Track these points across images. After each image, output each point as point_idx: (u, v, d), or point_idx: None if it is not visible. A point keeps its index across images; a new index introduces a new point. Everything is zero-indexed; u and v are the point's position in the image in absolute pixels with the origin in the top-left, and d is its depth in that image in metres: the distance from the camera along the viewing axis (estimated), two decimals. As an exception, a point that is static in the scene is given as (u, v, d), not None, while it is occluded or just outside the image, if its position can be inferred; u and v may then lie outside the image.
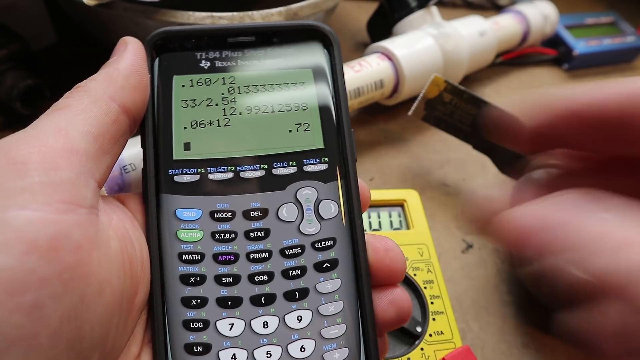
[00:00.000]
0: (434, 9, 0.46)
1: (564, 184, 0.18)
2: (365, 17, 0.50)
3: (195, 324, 0.18)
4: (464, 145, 0.39)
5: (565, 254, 0.15)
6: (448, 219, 0.38)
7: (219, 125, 0.20)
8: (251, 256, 0.19)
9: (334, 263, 0.19)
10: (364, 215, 0.32)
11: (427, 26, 0.45)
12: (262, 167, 0.20)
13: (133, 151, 0.29)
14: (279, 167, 0.20)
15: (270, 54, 0.21)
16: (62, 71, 0.43)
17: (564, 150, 0.21)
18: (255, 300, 0.18)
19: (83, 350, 0.15)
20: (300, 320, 0.18)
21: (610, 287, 0.14)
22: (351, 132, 0.21)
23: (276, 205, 0.19)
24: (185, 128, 0.20)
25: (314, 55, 0.21)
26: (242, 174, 0.19)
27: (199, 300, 0.18)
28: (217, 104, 0.20)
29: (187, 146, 0.19)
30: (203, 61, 0.20)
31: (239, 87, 0.20)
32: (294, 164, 0.20)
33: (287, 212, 0.19)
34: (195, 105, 0.20)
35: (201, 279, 0.18)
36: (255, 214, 0.19)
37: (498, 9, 0.61)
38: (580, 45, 0.54)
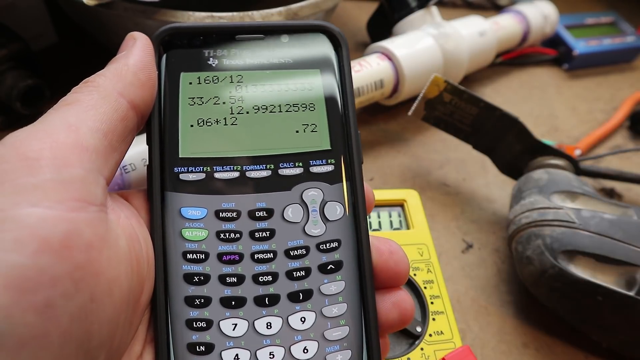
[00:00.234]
0: (434, 9, 0.46)
1: None
2: (365, 17, 0.50)
3: (199, 324, 0.18)
4: (464, 145, 0.39)
5: None
6: (448, 219, 0.38)
7: (225, 124, 0.20)
8: (256, 256, 0.19)
9: (338, 265, 0.19)
10: (364, 215, 0.32)
11: (427, 26, 0.45)
12: (268, 167, 0.19)
13: (133, 151, 0.29)
14: (285, 167, 0.20)
15: (279, 54, 0.21)
16: (62, 71, 0.43)
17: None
18: (259, 301, 0.18)
19: (91, 350, 0.15)
20: (303, 322, 0.18)
21: None
22: (358, 134, 0.20)
23: (282, 205, 0.19)
24: (191, 126, 0.19)
25: (323, 56, 0.21)
26: (248, 174, 0.19)
27: (202, 300, 0.18)
28: (224, 102, 0.20)
29: (193, 144, 0.19)
30: (211, 59, 0.20)
31: (246, 86, 0.20)
32: (300, 164, 0.20)
33: (293, 213, 0.19)
34: (202, 103, 0.20)
35: (205, 279, 0.18)
36: (261, 214, 0.19)
37: (498, 9, 0.61)
38: (580, 45, 0.54)
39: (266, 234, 0.19)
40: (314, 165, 0.20)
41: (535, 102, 0.51)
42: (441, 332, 0.27)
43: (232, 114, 0.20)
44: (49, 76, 0.39)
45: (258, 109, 0.20)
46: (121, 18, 0.34)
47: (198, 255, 0.18)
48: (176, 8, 0.34)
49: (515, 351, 0.31)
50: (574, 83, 0.54)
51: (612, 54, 0.56)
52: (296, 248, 0.19)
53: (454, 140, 0.41)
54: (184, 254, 0.18)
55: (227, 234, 0.19)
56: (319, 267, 0.19)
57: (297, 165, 0.20)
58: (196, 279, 0.18)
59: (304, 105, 0.20)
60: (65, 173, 0.15)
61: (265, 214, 0.19)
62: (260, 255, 0.19)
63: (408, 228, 0.32)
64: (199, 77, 0.20)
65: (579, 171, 0.37)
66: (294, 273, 0.19)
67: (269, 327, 0.18)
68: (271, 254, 0.19)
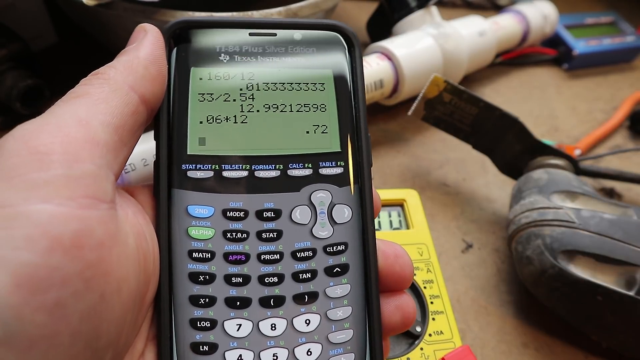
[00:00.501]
0: (434, 9, 0.46)
1: None
2: (365, 17, 0.50)
3: (203, 323, 0.17)
4: (463, 145, 0.39)
5: None
6: (448, 219, 0.38)
7: (235, 122, 0.19)
8: (262, 257, 0.18)
9: (344, 268, 0.19)
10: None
11: (426, 26, 0.45)
12: (277, 167, 0.19)
13: (133, 151, 0.29)
14: (294, 168, 0.19)
15: (291, 52, 0.20)
16: (62, 71, 0.43)
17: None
18: (264, 302, 0.18)
19: (99, 349, 0.15)
20: (308, 324, 0.18)
21: None
22: (368, 137, 0.20)
23: (290, 206, 0.19)
24: (201, 122, 0.19)
25: (336, 57, 0.21)
26: (256, 173, 0.19)
27: (207, 299, 0.18)
28: (234, 100, 0.19)
29: (202, 141, 0.19)
30: (222, 54, 0.20)
31: (257, 84, 0.20)
32: (310, 166, 0.19)
33: (301, 214, 0.19)
34: (213, 99, 0.19)
35: (210, 278, 0.18)
36: (269, 214, 0.19)
37: (498, 8, 0.61)
38: (580, 45, 0.54)
39: (273, 234, 0.19)
40: (324, 166, 0.20)
41: (535, 102, 0.51)
42: (441, 332, 0.27)
43: (242, 111, 0.19)
44: (48, 76, 0.39)
45: (269, 107, 0.20)
46: (121, 18, 0.34)
47: (204, 254, 0.18)
48: (176, 8, 0.34)
49: (515, 351, 0.31)
50: (573, 83, 0.54)
51: (612, 53, 0.56)
52: (303, 250, 0.19)
53: (454, 140, 0.41)
54: (190, 252, 0.18)
55: (233, 234, 0.18)
56: (325, 269, 0.19)
57: (306, 166, 0.19)
58: (201, 278, 0.18)
59: (315, 106, 0.20)
60: (76, 169, 0.15)
61: (272, 215, 0.19)
62: (267, 256, 0.18)
63: (408, 228, 0.32)
64: (209, 73, 0.19)
65: (578, 171, 0.37)
66: (300, 275, 0.18)
67: (273, 328, 0.18)
68: (278, 255, 0.18)
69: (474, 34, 0.46)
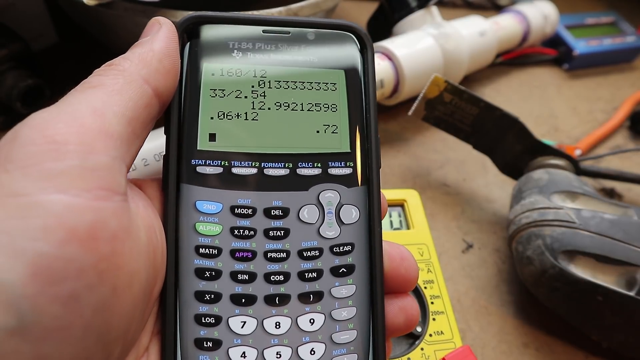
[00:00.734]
0: (434, 9, 0.46)
1: None
2: (365, 17, 0.50)
3: (207, 319, 0.17)
4: (464, 145, 0.39)
5: None
6: (448, 219, 0.38)
7: (246, 119, 0.19)
8: (269, 255, 0.18)
9: (350, 269, 0.19)
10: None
11: (427, 26, 0.45)
12: (286, 165, 0.19)
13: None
14: (303, 167, 0.19)
15: (304, 51, 0.20)
16: (62, 71, 0.43)
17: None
18: (270, 300, 0.18)
19: (109, 342, 0.15)
20: (312, 323, 0.18)
21: None
22: (378, 139, 0.20)
23: (298, 205, 0.19)
24: (212, 118, 0.19)
25: (348, 57, 0.21)
26: (266, 171, 0.19)
27: (212, 296, 0.18)
28: (246, 97, 0.19)
29: (212, 137, 0.19)
30: (235, 51, 0.20)
31: (269, 81, 0.20)
32: (319, 165, 0.19)
33: (309, 213, 0.19)
34: (224, 95, 0.19)
35: (217, 274, 0.18)
36: (276, 212, 0.19)
37: (498, 9, 0.61)
38: (581, 45, 0.54)
39: (280, 233, 0.19)
40: (333, 166, 0.20)
41: (535, 102, 0.51)
42: (441, 332, 0.27)
43: (253, 108, 0.19)
44: (49, 76, 0.39)
45: (280, 105, 0.20)
46: (121, 18, 0.34)
47: (211, 250, 0.18)
48: (176, 8, 0.34)
49: (516, 351, 0.31)
50: (574, 83, 0.54)
51: (612, 54, 0.56)
52: (310, 249, 0.19)
53: (454, 140, 0.41)
54: (197, 248, 0.18)
55: (241, 231, 0.18)
56: (331, 269, 0.19)
57: (315, 165, 0.19)
58: (207, 274, 0.18)
59: (326, 106, 0.20)
60: (91, 160, 0.15)
61: (280, 213, 0.19)
62: (273, 254, 0.18)
63: (408, 228, 0.32)
64: (222, 69, 0.19)
65: (579, 171, 0.37)
66: (306, 274, 0.18)
67: (277, 326, 0.18)
68: (284, 253, 0.18)
69: (474, 34, 0.46)
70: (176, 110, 0.19)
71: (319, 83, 0.20)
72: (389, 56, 0.41)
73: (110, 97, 0.16)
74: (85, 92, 0.16)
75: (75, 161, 0.14)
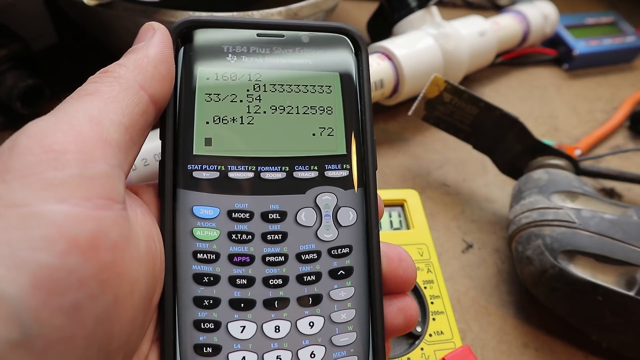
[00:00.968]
0: (434, 9, 0.46)
1: None
2: (365, 17, 0.50)
3: (206, 325, 0.17)
4: (464, 145, 0.39)
5: None
6: (448, 219, 0.38)
7: (242, 123, 0.19)
8: (267, 259, 0.18)
9: (349, 271, 0.19)
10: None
11: (427, 26, 0.45)
12: (283, 169, 0.19)
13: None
14: (300, 170, 0.19)
15: (299, 54, 0.20)
16: (62, 71, 0.43)
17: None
18: (269, 304, 0.18)
19: (111, 352, 0.15)
20: (312, 326, 0.18)
21: None
22: (374, 140, 0.20)
23: (295, 209, 0.19)
24: (207, 123, 0.19)
25: (343, 59, 0.21)
26: (262, 175, 0.19)
27: (211, 301, 0.18)
28: (241, 101, 0.19)
29: (208, 141, 0.19)
30: (230, 55, 0.20)
31: (264, 85, 0.20)
32: (316, 168, 0.19)
33: (306, 216, 0.19)
34: (219, 100, 0.19)
35: (215, 279, 0.18)
36: (274, 216, 0.19)
37: (498, 9, 0.61)
38: (581, 45, 0.54)
39: (278, 236, 0.19)
40: (329, 169, 0.20)
41: (535, 102, 0.51)
42: (441, 332, 0.27)
43: (249, 112, 0.19)
44: (49, 76, 0.39)
45: (275, 109, 0.20)
46: (121, 18, 0.34)
47: (209, 255, 0.18)
48: (176, 8, 0.34)
49: (516, 351, 0.31)
50: (574, 83, 0.54)
51: (612, 54, 0.56)
52: (308, 252, 0.19)
53: (454, 140, 0.41)
54: (195, 253, 0.18)
55: (239, 235, 0.18)
56: (329, 272, 0.19)
57: (312, 168, 0.19)
58: (206, 279, 0.18)
59: (322, 108, 0.20)
60: (90, 168, 0.15)
61: (278, 217, 0.19)
62: (272, 258, 0.18)
63: (408, 228, 0.32)
64: (216, 73, 0.19)
65: (579, 171, 0.37)
66: (305, 277, 0.18)
67: (277, 330, 0.18)
68: (282, 257, 0.18)
69: (474, 34, 0.46)
70: (171, 116, 0.19)
71: (314, 86, 0.20)
72: (389, 56, 0.41)
73: (107, 105, 0.16)
74: (81, 100, 0.16)
75: (74, 170, 0.14)
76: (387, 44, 0.41)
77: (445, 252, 0.36)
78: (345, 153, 0.20)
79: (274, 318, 0.18)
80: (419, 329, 0.27)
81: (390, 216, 0.32)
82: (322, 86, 0.20)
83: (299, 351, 0.18)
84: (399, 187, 0.40)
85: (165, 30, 0.19)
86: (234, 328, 0.18)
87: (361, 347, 0.19)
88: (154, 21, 0.19)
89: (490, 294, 0.34)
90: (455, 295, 0.34)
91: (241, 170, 0.19)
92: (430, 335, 0.27)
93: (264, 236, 0.18)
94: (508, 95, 0.51)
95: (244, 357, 0.17)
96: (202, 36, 0.20)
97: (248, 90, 0.20)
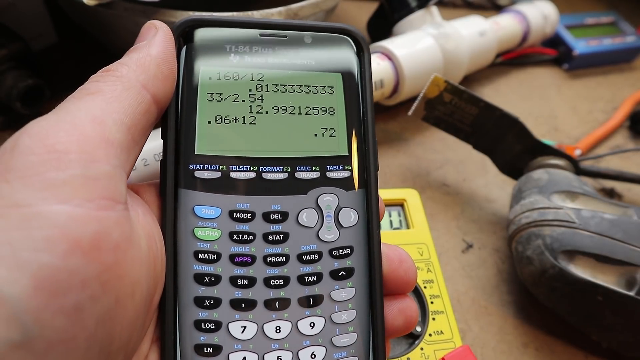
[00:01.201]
0: (434, 9, 0.46)
1: None
2: (365, 17, 0.50)
3: (207, 325, 0.17)
4: (464, 145, 0.39)
5: None
6: (448, 219, 0.38)
7: (244, 123, 0.19)
8: (268, 259, 0.18)
9: (350, 272, 0.19)
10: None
11: (427, 26, 0.45)
12: (285, 169, 0.19)
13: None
14: (302, 171, 0.19)
15: (301, 54, 0.20)
16: (62, 71, 0.43)
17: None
18: (269, 304, 0.18)
19: (112, 352, 0.15)
20: (312, 327, 0.18)
21: None
22: (375, 141, 0.20)
23: (297, 209, 0.19)
24: (209, 122, 0.19)
25: (345, 60, 0.21)
26: (264, 175, 0.19)
27: (212, 301, 0.18)
28: (243, 100, 0.19)
29: (210, 141, 0.19)
30: (232, 54, 0.20)
31: (267, 85, 0.20)
32: (317, 169, 0.19)
33: (307, 217, 0.19)
34: (222, 99, 0.19)
35: (216, 279, 0.18)
36: (275, 216, 0.19)
37: (498, 9, 0.61)
38: (581, 45, 0.54)
39: (280, 237, 0.19)
40: (331, 170, 0.20)
41: (535, 102, 0.51)
42: (441, 331, 0.27)
43: (251, 112, 0.19)
44: (49, 76, 0.39)
45: (278, 109, 0.20)
46: (121, 18, 0.34)
47: (210, 255, 0.18)
48: (176, 8, 0.34)
49: (516, 351, 0.31)
50: (574, 83, 0.54)
51: (612, 54, 0.56)
52: (309, 253, 0.19)
53: (454, 140, 0.41)
54: (196, 253, 0.18)
55: (240, 235, 0.18)
56: (330, 273, 0.19)
57: (314, 169, 0.19)
58: (207, 279, 0.18)
59: (324, 109, 0.20)
60: (92, 169, 0.15)
61: (279, 217, 0.19)
62: (273, 259, 0.18)
63: (408, 228, 0.32)
64: (219, 73, 0.19)
65: (579, 171, 0.37)
66: (306, 278, 0.18)
67: (278, 331, 0.18)
68: (284, 257, 0.18)
69: (474, 34, 0.46)
70: (173, 115, 0.19)
71: (317, 86, 0.20)
72: (389, 56, 0.41)
73: (109, 105, 0.16)
74: (83, 99, 0.16)
75: (77, 170, 0.14)
76: (387, 43, 0.41)
77: (445, 252, 0.36)
78: (347, 154, 0.20)
79: (274, 318, 0.18)
80: (418, 329, 0.27)
81: (390, 216, 0.32)
82: (324, 87, 0.20)
83: (299, 352, 0.18)
84: (399, 187, 0.40)
85: (168, 29, 0.19)
86: (235, 328, 0.18)
87: (361, 347, 0.19)
88: (155, 20, 0.19)
89: (490, 293, 0.34)
90: (455, 295, 0.34)
91: (243, 170, 0.19)
92: (430, 335, 0.27)
93: (265, 236, 0.18)
94: (508, 95, 0.51)
95: (244, 358, 0.17)
96: (205, 35, 0.20)
97: (250, 90, 0.19)
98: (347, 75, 0.21)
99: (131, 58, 0.17)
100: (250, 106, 0.19)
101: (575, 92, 0.53)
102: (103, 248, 0.14)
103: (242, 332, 0.18)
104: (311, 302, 0.18)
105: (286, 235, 0.19)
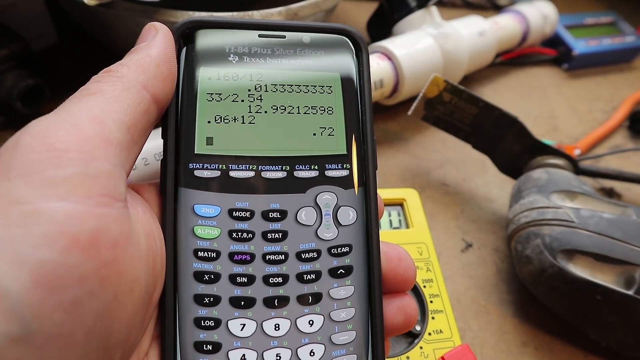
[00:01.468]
0: (434, 9, 0.46)
1: None
2: (365, 17, 0.50)
3: (207, 322, 0.18)
4: (463, 145, 0.39)
5: None
6: (448, 218, 0.38)
7: (243, 122, 0.19)
8: (267, 257, 0.18)
9: (348, 270, 0.19)
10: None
11: (426, 26, 0.45)
12: (284, 168, 0.19)
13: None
14: (300, 169, 0.19)
15: (300, 54, 0.21)
16: (62, 71, 0.43)
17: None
18: (269, 302, 0.18)
19: (110, 348, 0.15)
20: (311, 325, 0.18)
21: None
22: (374, 140, 0.20)
23: (295, 208, 0.19)
24: (209, 122, 0.19)
25: (343, 60, 0.21)
26: (263, 174, 0.19)
27: (211, 299, 0.18)
28: (242, 100, 0.20)
29: (209, 141, 0.19)
30: (231, 55, 0.20)
31: (266, 85, 0.20)
32: (316, 167, 0.20)
33: (306, 215, 0.19)
34: (221, 99, 0.19)
35: (215, 277, 0.18)
36: (274, 215, 0.19)
37: (498, 9, 0.61)
38: (580, 45, 0.54)
39: (278, 235, 0.19)
40: (330, 169, 0.20)
41: (534, 102, 0.51)
42: (440, 330, 0.27)
43: (250, 112, 0.19)
44: (49, 76, 0.39)
45: (276, 109, 0.20)
46: (121, 18, 0.34)
47: (209, 253, 0.18)
48: (176, 8, 0.34)
49: (515, 350, 0.31)
50: (573, 83, 0.54)
51: (612, 53, 0.56)
52: (308, 251, 0.19)
53: (454, 139, 0.41)
54: (195, 251, 0.18)
55: (239, 234, 0.18)
56: (329, 271, 0.19)
57: (312, 168, 0.20)
58: (206, 277, 0.18)
59: (322, 108, 0.20)
60: (92, 167, 0.15)
61: (278, 216, 0.19)
62: (272, 257, 0.18)
63: (407, 227, 0.32)
64: (218, 73, 0.20)
65: (578, 171, 0.37)
66: (305, 276, 0.19)
67: (277, 328, 0.18)
68: (283, 255, 0.19)
69: (474, 34, 0.46)
70: (173, 115, 0.19)
71: (315, 86, 0.20)
72: (389, 56, 0.41)
73: (109, 104, 0.16)
74: (84, 99, 0.16)
75: (76, 168, 0.14)
76: (387, 43, 0.41)
77: (444, 251, 0.36)
78: (346, 153, 0.20)
79: (274, 316, 0.18)
80: (418, 328, 0.27)
81: (389, 215, 0.32)
82: (322, 86, 0.20)
83: (298, 349, 0.18)
84: (399, 187, 0.40)
85: (168, 31, 0.19)
86: (234, 326, 0.18)
87: (360, 345, 0.19)
88: (155, 22, 0.19)
89: (489, 293, 0.34)
90: (455, 294, 0.34)
91: (242, 169, 0.19)
92: (430, 334, 0.27)
93: (264, 235, 0.19)
94: (507, 95, 0.51)
95: (243, 355, 0.17)
96: (204, 37, 0.20)
97: (249, 91, 0.20)
98: (345, 75, 0.21)
99: (131, 59, 0.18)
100: (250, 106, 0.20)
101: (574, 92, 0.53)
102: (102, 244, 0.14)
103: (242, 329, 0.18)
104: (310, 300, 0.18)
105: (285, 234, 0.19)
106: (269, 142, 0.19)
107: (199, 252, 0.18)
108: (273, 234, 0.19)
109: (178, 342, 0.17)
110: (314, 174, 0.19)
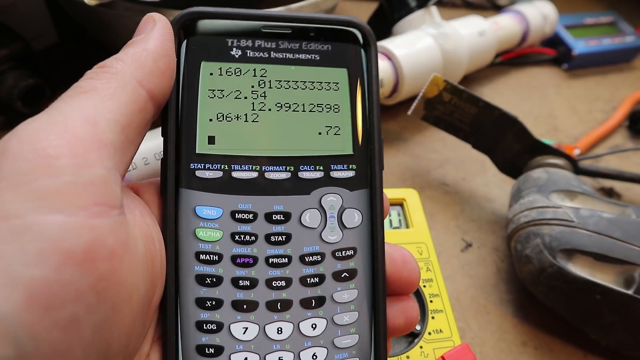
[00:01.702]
0: (434, 9, 0.47)
1: None
2: (365, 17, 0.50)
3: (209, 326, 0.17)
4: (463, 145, 0.39)
5: None
6: (447, 218, 0.38)
7: (246, 120, 0.19)
8: (270, 260, 0.18)
9: (352, 273, 0.19)
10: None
11: (426, 26, 0.45)
12: (288, 169, 0.19)
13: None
14: (305, 170, 0.19)
15: (306, 49, 0.19)
16: (63, 71, 0.43)
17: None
18: (271, 306, 0.18)
19: (111, 357, 0.15)
20: (314, 328, 0.18)
21: None
22: (381, 140, 0.20)
23: (299, 210, 0.19)
24: (210, 120, 0.18)
25: (351, 55, 0.20)
26: (267, 175, 0.18)
27: (214, 302, 0.17)
28: (245, 97, 0.19)
29: (211, 140, 0.18)
30: (234, 49, 0.19)
31: (270, 81, 0.19)
32: (321, 168, 0.19)
33: (310, 218, 0.19)
34: (223, 96, 0.19)
35: (218, 281, 0.18)
36: (278, 217, 0.18)
37: (497, 8, 0.61)
38: (580, 45, 0.54)
39: (282, 238, 0.18)
40: (335, 170, 0.19)
41: (534, 101, 0.51)
42: (440, 330, 0.27)
43: (253, 110, 0.19)
44: (49, 76, 0.39)
45: (281, 106, 0.19)
46: (122, 18, 0.34)
47: (211, 256, 0.18)
48: (177, 8, 0.34)
49: (515, 349, 0.31)
50: (573, 83, 0.54)
51: (612, 53, 0.56)
52: (311, 254, 0.18)
53: (454, 139, 0.41)
54: (197, 254, 0.18)
55: (242, 236, 0.18)
56: (333, 274, 0.19)
57: (317, 168, 0.19)
58: (208, 280, 0.17)
59: (329, 106, 0.19)
60: (85, 174, 0.14)
61: (282, 218, 0.18)
62: (275, 260, 0.18)
63: (407, 227, 0.32)
64: (220, 68, 0.19)
65: (578, 170, 0.37)
66: (308, 279, 0.18)
67: (279, 332, 0.18)
68: (286, 258, 0.18)
69: (473, 34, 0.46)
70: (173, 112, 0.18)
71: (321, 82, 0.20)
72: (389, 56, 0.41)
73: (102, 103, 0.15)
74: (76, 98, 0.15)
75: (69, 177, 0.14)
76: (387, 43, 0.41)
77: (444, 251, 0.36)
78: (352, 153, 0.19)
79: (276, 320, 0.18)
80: (418, 327, 0.27)
81: (389, 215, 0.32)
82: (329, 82, 0.20)
83: (301, 353, 0.18)
84: (398, 187, 0.40)
85: (167, 22, 0.18)
86: (237, 329, 0.17)
87: (363, 349, 0.19)
88: (154, 12, 0.18)
89: (489, 292, 0.34)
90: (455, 293, 0.34)
91: (245, 170, 0.18)
92: (430, 333, 0.27)
93: (267, 237, 0.18)
94: (507, 94, 0.51)
95: (246, 359, 0.17)
96: (206, 29, 0.19)
97: (253, 87, 0.19)
98: (353, 71, 0.20)
99: (127, 53, 0.17)
100: (253, 103, 0.19)
101: (574, 91, 0.53)
102: (98, 257, 0.14)
103: (244, 333, 0.17)
104: (313, 304, 0.18)
105: (289, 236, 0.18)
106: (272, 141, 0.19)
107: (201, 255, 0.18)
108: (276, 237, 0.18)
109: (180, 345, 0.17)
110: (318, 174, 0.19)
